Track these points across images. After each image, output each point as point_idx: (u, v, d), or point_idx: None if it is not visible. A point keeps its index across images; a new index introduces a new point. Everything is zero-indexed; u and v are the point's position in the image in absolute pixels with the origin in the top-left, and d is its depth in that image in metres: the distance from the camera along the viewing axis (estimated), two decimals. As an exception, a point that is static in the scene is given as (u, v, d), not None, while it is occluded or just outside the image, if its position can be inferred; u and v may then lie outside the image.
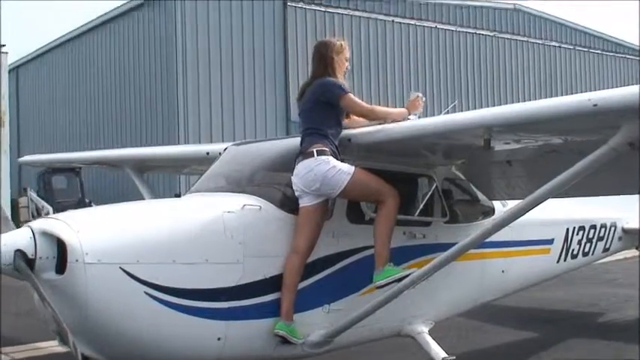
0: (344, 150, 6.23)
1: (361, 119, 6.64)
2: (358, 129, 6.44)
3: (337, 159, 5.99)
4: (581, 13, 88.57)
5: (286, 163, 6.26)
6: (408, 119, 6.44)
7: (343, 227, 6.30)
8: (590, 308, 12.24)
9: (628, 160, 5.49)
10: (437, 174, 7.13)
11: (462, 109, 31.50)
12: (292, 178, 6.01)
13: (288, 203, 6.05)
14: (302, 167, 5.96)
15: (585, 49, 39.49)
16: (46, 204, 26.28)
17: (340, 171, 5.88)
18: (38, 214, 25.07)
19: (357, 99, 6.41)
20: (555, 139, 5.80)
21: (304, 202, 5.92)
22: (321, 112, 6.17)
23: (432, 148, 6.54)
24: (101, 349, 5.33)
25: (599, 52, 40.26)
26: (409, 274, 5.97)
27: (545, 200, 5.49)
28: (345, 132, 6.32)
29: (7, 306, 11.60)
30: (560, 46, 38.14)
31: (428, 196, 7.01)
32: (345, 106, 6.30)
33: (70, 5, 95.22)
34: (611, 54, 41.01)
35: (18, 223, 5.41)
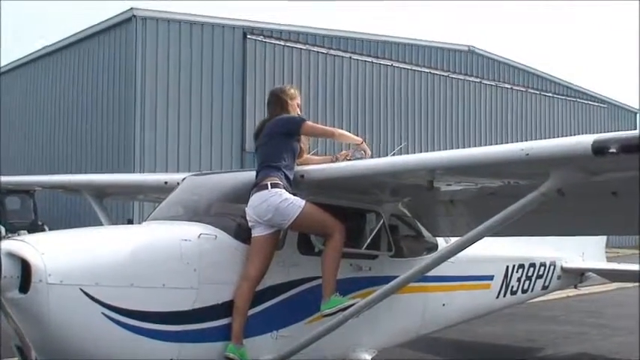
0: (297, 185, 6.62)
1: (315, 158, 7.14)
2: (311, 166, 6.85)
3: (290, 192, 6.37)
4: (533, 56, 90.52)
5: (241, 195, 6.60)
6: (355, 157, 6.89)
7: (294, 258, 6.66)
8: (529, 344, 12.60)
9: (559, 204, 5.92)
10: (384, 210, 7.53)
11: (414, 146, 32.03)
12: (246, 208, 6.37)
13: (242, 233, 6.37)
14: (256, 198, 6.33)
15: (537, 92, 40.31)
16: (-2, 224, 26.07)
17: (292, 204, 6.26)
18: (-11, 234, 24.84)
19: (316, 124, 7.08)
20: (493, 183, 6.24)
21: (257, 232, 6.28)
22: (278, 145, 6.59)
23: (380, 186, 6.93)
24: (60, 366, 5.59)
25: (550, 94, 41.10)
26: (354, 304, 6.33)
27: (480, 239, 5.92)
28: (298, 168, 6.72)
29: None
30: (512, 88, 38.87)
31: (375, 230, 7.41)
32: (306, 132, 6.87)
33: (30, 28, 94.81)
34: (562, 97, 41.92)
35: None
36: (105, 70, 28.08)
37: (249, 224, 6.34)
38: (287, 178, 6.46)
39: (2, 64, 36.64)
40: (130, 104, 26.21)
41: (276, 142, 6.61)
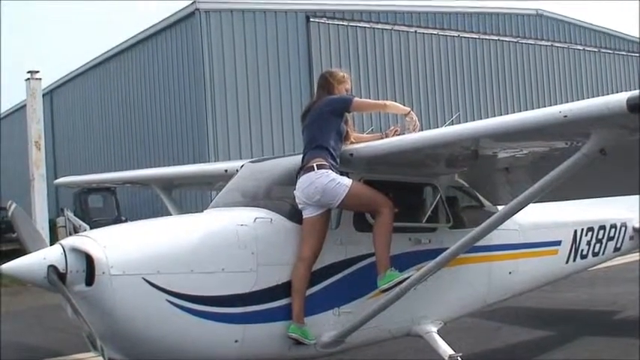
0: (347, 164, 6.71)
1: (365, 136, 7.21)
2: (360, 144, 6.93)
3: (336, 171, 6.47)
4: (602, 14, 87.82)
5: (295, 178, 6.74)
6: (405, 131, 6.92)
7: (350, 235, 6.76)
8: (609, 306, 12.48)
9: (607, 164, 5.88)
10: (440, 182, 7.56)
11: (487, 116, 31.63)
12: (295, 191, 6.50)
13: (298, 215, 6.49)
14: (303, 181, 6.46)
15: (610, 51, 39.28)
16: (83, 223, 26.74)
17: (339, 183, 6.36)
18: (76, 232, 25.52)
19: (364, 99, 7.24)
20: (541, 148, 6.22)
21: (307, 214, 6.41)
22: (325, 125, 6.66)
23: (430, 158, 6.95)
24: (129, 353, 5.83)
25: (624, 53, 39.95)
26: (409, 277, 6.41)
27: (527, 204, 5.93)
28: (347, 147, 6.81)
29: (49, 322, 12.31)
30: (584, 49, 38.00)
31: (432, 203, 7.46)
32: (357, 108, 6.93)
33: (101, 29, 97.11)
34: (637, 54, 40.76)
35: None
36: (173, 67, 28.55)
37: (299, 206, 6.46)
38: (333, 157, 6.52)
39: (80, 65, 37.72)
40: (200, 98, 26.61)
41: (323, 122, 6.67)
